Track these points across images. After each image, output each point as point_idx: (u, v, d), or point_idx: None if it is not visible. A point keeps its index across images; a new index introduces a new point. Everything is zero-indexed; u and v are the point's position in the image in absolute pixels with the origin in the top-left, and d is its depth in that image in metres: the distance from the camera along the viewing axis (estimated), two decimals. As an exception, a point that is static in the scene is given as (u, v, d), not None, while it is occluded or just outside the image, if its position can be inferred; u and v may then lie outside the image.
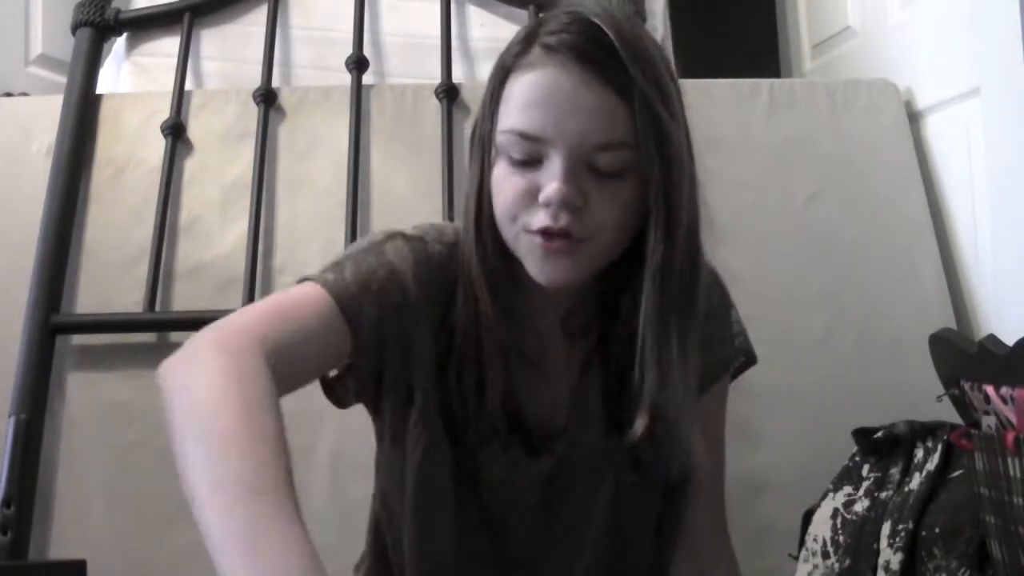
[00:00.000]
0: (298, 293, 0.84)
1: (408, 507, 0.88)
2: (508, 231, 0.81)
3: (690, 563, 0.95)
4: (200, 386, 0.71)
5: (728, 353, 0.97)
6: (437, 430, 0.86)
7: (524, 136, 0.78)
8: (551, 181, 0.77)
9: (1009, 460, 0.98)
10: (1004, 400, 1.02)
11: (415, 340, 0.85)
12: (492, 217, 0.82)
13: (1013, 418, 1.00)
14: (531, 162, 0.78)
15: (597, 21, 0.77)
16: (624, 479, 0.88)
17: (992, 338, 1.08)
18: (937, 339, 1.19)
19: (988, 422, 1.06)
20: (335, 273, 0.85)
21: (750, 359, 1.01)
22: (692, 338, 0.84)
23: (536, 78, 0.77)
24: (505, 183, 0.80)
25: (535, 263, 0.80)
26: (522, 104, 0.78)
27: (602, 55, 0.76)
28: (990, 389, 1.04)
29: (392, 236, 0.87)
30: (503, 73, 0.81)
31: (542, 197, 0.78)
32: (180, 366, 0.74)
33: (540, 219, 0.78)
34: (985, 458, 1.03)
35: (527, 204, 0.79)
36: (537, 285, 0.82)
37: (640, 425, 0.83)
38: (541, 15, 0.89)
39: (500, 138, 0.80)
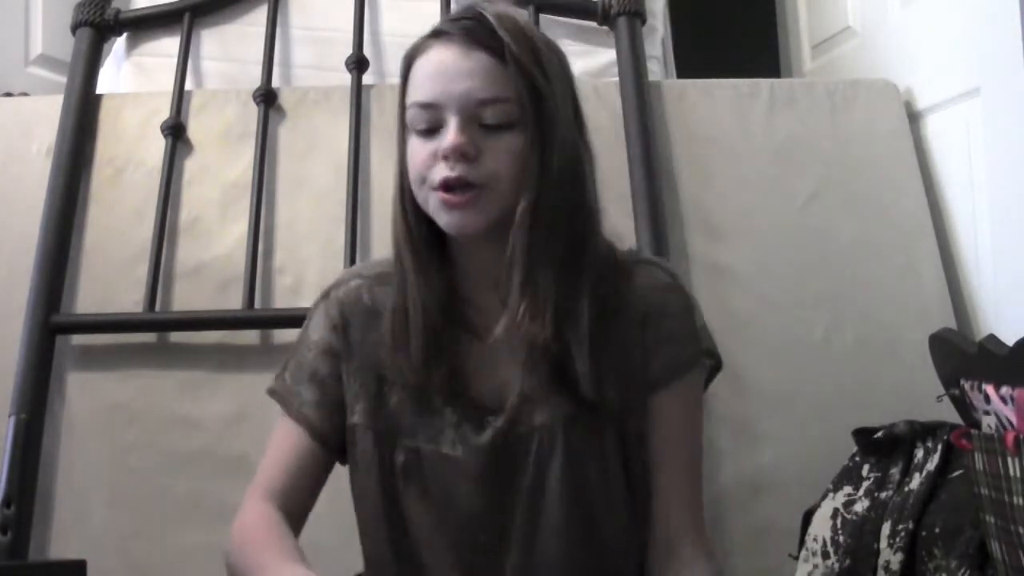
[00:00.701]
0: (277, 432, 1.03)
1: (360, 515, 1.02)
2: (420, 195, 0.93)
3: (666, 555, 0.96)
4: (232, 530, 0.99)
5: (688, 352, 1.00)
6: (368, 440, 0.98)
7: (422, 106, 0.92)
8: (447, 138, 0.90)
9: (1009, 460, 0.98)
10: (1004, 400, 1.02)
11: (352, 374, 1.00)
12: (411, 190, 0.95)
13: (1013, 418, 1.00)
14: (433, 130, 0.92)
15: (475, 6, 0.93)
16: (574, 446, 0.94)
17: (992, 338, 1.08)
18: (937, 339, 1.19)
19: (988, 422, 1.06)
20: (280, 381, 1.04)
21: (718, 364, 1.04)
22: (576, 284, 0.93)
23: (428, 57, 0.93)
24: (414, 153, 0.93)
25: (444, 215, 0.92)
26: (418, 81, 0.93)
27: (479, 28, 0.91)
28: (990, 389, 1.04)
29: (315, 308, 1.04)
30: (407, 63, 0.95)
31: (440, 151, 0.90)
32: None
33: (440, 171, 0.90)
34: (985, 458, 1.03)
35: (432, 164, 0.91)
36: (471, 261, 0.96)
37: (500, 332, 0.92)
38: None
39: (407, 115, 0.93)
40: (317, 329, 1.03)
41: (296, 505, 1.00)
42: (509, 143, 0.90)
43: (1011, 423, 1.01)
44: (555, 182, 0.91)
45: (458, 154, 0.89)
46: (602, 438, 0.95)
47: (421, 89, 0.92)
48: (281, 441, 1.02)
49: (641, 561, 0.98)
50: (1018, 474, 0.97)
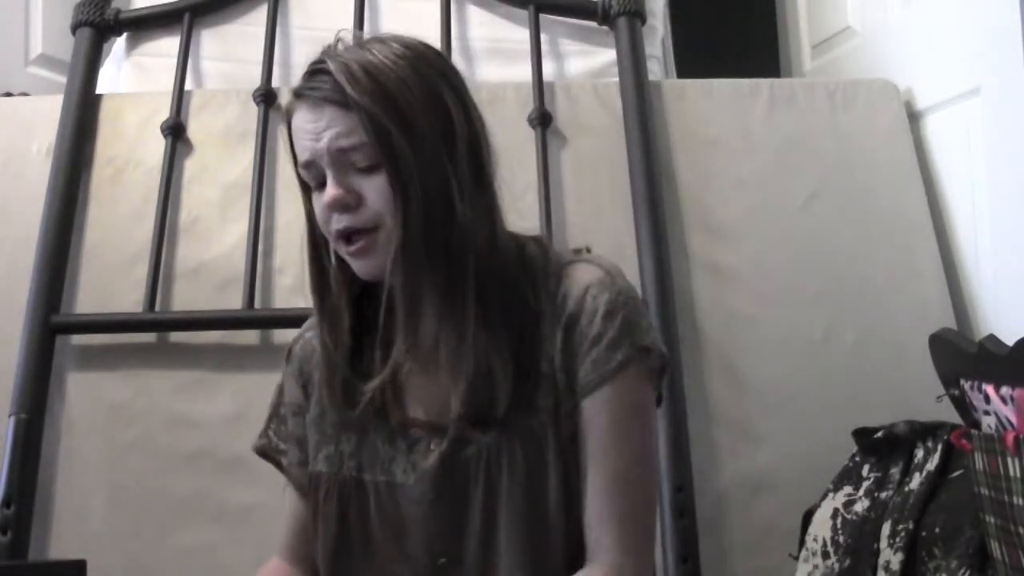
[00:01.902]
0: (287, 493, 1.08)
1: (324, 555, 1.02)
2: (333, 247, 0.97)
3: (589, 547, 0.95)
4: None
5: (617, 355, 0.93)
6: (331, 483, 1.00)
7: (304, 166, 0.95)
8: (328, 192, 0.93)
9: (1009, 460, 0.98)
10: (1004, 400, 1.02)
11: (312, 423, 1.04)
12: (315, 238, 0.99)
13: (1013, 418, 1.00)
14: (322, 183, 0.94)
15: (323, 60, 0.95)
16: (517, 460, 0.94)
17: (992, 338, 1.08)
18: (937, 339, 1.19)
19: (988, 422, 1.06)
20: (265, 439, 1.08)
21: (663, 361, 0.98)
22: (459, 313, 0.94)
23: (295, 120, 0.96)
24: (314, 209, 0.96)
25: (352, 263, 0.96)
26: (295, 142, 0.96)
27: (326, 84, 0.93)
28: (990, 389, 1.04)
29: (285, 361, 1.09)
30: (287, 125, 0.98)
31: (326, 205, 0.94)
32: None
33: (332, 224, 0.94)
34: (985, 458, 1.03)
35: (327, 217, 0.94)
36: (398, 296, 0.95)
37: (378, 382, 0.96)
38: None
39: (300, 173, 0.97)
40: (287, 390, 1.07)
41: (312, 565, 1.04)
42: (382, 183, 0.92)
43: (1011, 423, 1.01)
44: (418, 214, 0.92)
45: (339, 206, 0.93)
46: (543, 449, 0.93)
47: (298, 150, 0.96)
48: (287, 503, 1.07)
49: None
50: (1018, 474, 0.97)
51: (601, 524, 0.92)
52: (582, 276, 0.96)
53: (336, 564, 0.99)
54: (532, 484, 0.93)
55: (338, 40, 0.99)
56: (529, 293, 0.95)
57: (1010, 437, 0.97)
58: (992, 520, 1.03)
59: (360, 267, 0.95)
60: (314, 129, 0.93)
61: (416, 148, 0.92)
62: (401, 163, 0.91)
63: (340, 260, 0.98)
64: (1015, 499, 0.97)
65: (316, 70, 0.95)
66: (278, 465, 1.06)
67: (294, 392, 1.06)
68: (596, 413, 0.93)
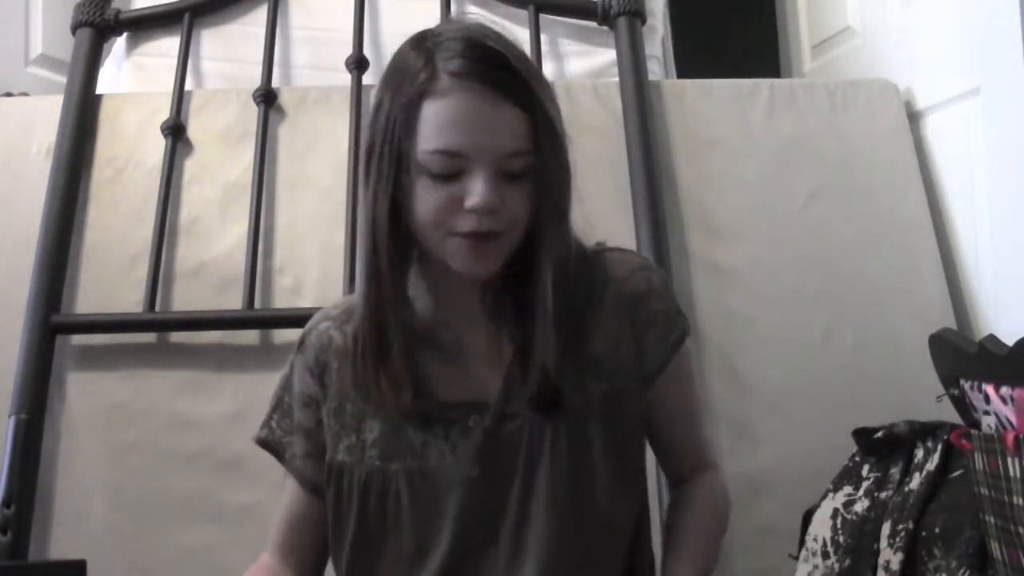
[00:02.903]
0: (284, 485, 1.06)
1: (346, 545, 1.00)
2: (432, 236, 0.92)
3: (679, 486, 1.08)
4: None
5: (675, 331, 1.03)
6: (354, 473, 0.99)
7: (447, 154, 0.88)
8: (476, 191, 0.88)
9: (1009, 460, 0.98)
10: (1004, 400, 1.02)
11: (332, 414, 1.01)
12: (407, 228, 0.93)
13: (1013, 418, 1.00)
14: (451, 175, 0.89)
15: (491, 45, 0.90)
16: (560, 438, 0.96)
17: (992, 338, 1.08)
18: (937, 339, 1.19)
19: (988, 422, 1.06)
20: (267, 429, 1.06)
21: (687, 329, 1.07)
22: (531, 304, 0.96)
23: (451, 103, 0.88)
24: (429, 195, 0.90)
25: (462, 261, 0.92)
26: (440, 126, 0.89)
27: (503, 75, 0.89)
28: (990, 389, 1.04)
29: (293, 356, 1.05)
30: (414, 99, 0.90)
31: (469, 204, 0.89)
32: None
33: (468, 223, 0.89)
34: (985, 458, 1.03)
35: (453, 211, 0.89)
36: (451, 289, 0.97)
37: (535, 379, 0.95)
38: (432, 31, 0.96)
39: (421, 157, 0.89)
40: (298, 380, 1.04)
41: (304, 558, 1.04)
42: (526, 191, 0.91)
43: (1011, 423, 1.01)
44: (551, 226, 0.94)
45: (490, 211, 0.89)
46: (588, 431, 0.97)
47: (445, 137, 0.88)
48: (284, 495, 1.06)
49: (632, 539, 1.01)
50: (1018, 474, 0.97)
51: (696, 451, 1.08)
52: (625, 261, 1.03)
53: (358, 554, 0.98)
54: (574, 463, 0.96)
55: (452, 18, 0.96)
56: (570, 282, 0.98)
57: (1010, 437, 0.97)
58: (992, 520, 1.03)
59: (475, 267, 0.92)
60: (489, 124, 0.89)
61: (562, 163, 0.94)
62: (552, 176, 0.92)
63: (405, 252, 0.95)
64: (1015, 499, 0.97)
65: (488, 55, 0.90)
66: (279, 457, 1.05)
67: (306, 382, 1.03)
68: (673, 381, 1.02)
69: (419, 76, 0.90)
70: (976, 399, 1.08)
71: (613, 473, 0.97)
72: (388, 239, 0.92)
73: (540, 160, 0.90)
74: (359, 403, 0.99)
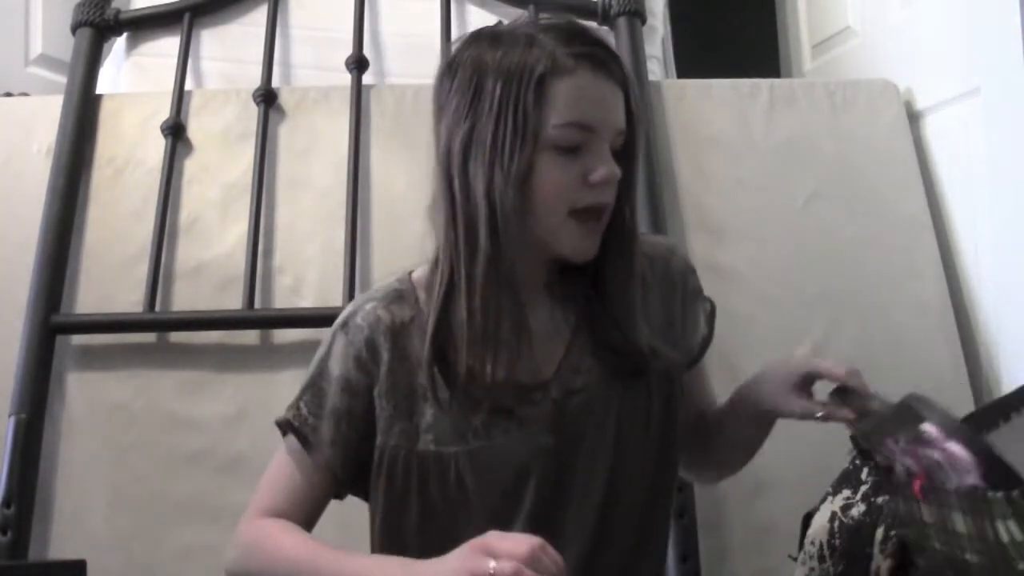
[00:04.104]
0: (283, 458, 1.04)
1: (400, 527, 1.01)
2: (553, 215, 0.95)
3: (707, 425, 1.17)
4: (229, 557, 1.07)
5: (710, 301, 1.14)
6: (412, 457, 0.99)
7: (579, 126, 0.94)
8: (602, 164, 0.94)
9: (922, 507, 0.98)
10: (904, 452, 1.01)
11: (384, 395, 1.00)
12: (527, 206, 0.95)
13: (914, 465, 1.00)
14: (575, 149, 0.94)
15: (597, 35, 0.98)
16: (626, 406, 1.02)
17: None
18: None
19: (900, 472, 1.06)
20: (295, 411, 1.04)
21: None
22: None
23: (578, 80, 0.94)
24: (555, 171, 0.94)
25: (575, 240, 0.97)
26: (571, 101, 0.94)
27: (610, 60, 0.96)
28: (890, 441, 1.04)
29: (332, 338, 1.03)
30: (540, 78, 0.94)
31: (596, 177, 0.94)
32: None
33: (591, 197, 0.95)
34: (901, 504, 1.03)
35: (576, 187, 0.95)
36: (531, 269, 1.00)
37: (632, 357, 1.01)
38: (539, 21, 1.03)
39: (552, 132, 0.93)
40: (339, 362, 1.02)
41: (297, 516, 1.03)
42: (619, 168, 0.97)
43: (915, 471, 1.00)
44: (634, 200, 1.02)
45: (612, 183, 0.96)
46: (648, 398, 1.03)
47: (577, 109, 0.94)
48: (287, 468, 1.03)
49: (669, 502, 1.09)
50: (930, 519, 0.96)
51: (711, 405, 1.19)
52: (659, 242, 1.13)
53: (429, 531, 0.99)
54: (635, 431, 1.02)
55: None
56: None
57: (917, 485, 0.97)
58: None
59: (588, 245, 0.97)
60: (612, 100, 0.96)
61: (641, 143, 1.03)
62: (637, 153, 1.00)
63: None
64: (935, 544, 0.97)
65: (595, 39, 0.97)
66: (303, 439, 1.02)
67: (348, 365, 1.01)
68: (707, 354, 1.14)
69: (539, 57, 0.94)
70: (887, 452, 1.08)
71: (664, 441, 1.04)
72: (514, 213, 0.94)
73: (630, 138, 0.98)
74: (411, 386, 0.99)
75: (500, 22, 1.08)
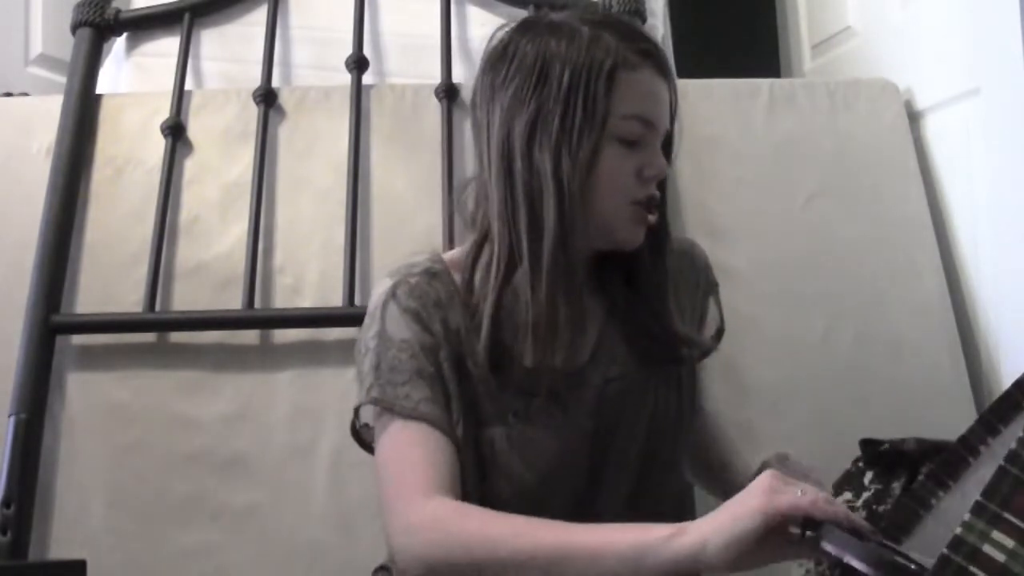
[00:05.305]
0: (394, 440, 0.96)
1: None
2: (612, 204, 0.99)
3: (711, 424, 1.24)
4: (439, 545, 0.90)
5: (719, 303, 1.19)
6: (460, 427, 0.98)
7: (643, 120, 0.98)
8: (657, 160, 1.00)
9: None
10: None
11: (442, 363, 0.99)
12: (589, 192, 0.97)
13: None
14: (635, 144, 0.98)
15: (653, 36, 1.05)
16: (660, 388, 1.06)
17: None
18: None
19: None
20: (380, 390, 0.97)
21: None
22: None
23: (644, 76, 0.98)
24: (618, 162, 0.98)
25: (630, 230, 1.01)
26: (639, 95, 0.98)
27: (666, 61, 1.01)
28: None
29: (383, 310, 1.00)
30: (611, 68, 0.97)
31: (651, 173, 0.99)
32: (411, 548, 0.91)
33: (646, 191, 1.00)
34: None
35: (636, 180, 0.99)
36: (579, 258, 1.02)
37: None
38: (590, 15, 1.05)
39: (618, 122, 0.97)
40: (400, 327, 0.99)
41: (459, 497, 0.96)
42: None
43: None
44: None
45: (662, 178, 1.01)
46: (678, 383, 1.08)
47: (644, 103, 0.98)
48: (411, 442, 0.96)
49: (691, 489, 1.20)
50: None
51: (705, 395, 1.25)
52: (680, 239, 1.16)
53: (484, 501, 0.99)
54: (666, 417, 1.06)
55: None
56: None
57: None
58: None
59: (638, 235, 1.01)
60: (665, 102, 1.01)
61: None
62: (672, 152, 1.05)
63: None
64: None
65: (651, 38, 1.02)
66: (400, 411, 0.96)
67: (413, 328, 0.98)
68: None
69: (608, 50, 0.97)
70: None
71: (685, 428, 1.10)
72: (580, 197, 0.96)
73: (670, 137, 1.04)
74: (461, 357, 0.99)
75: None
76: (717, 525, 0.80)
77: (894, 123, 1.83)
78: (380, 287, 1.03)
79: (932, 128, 1.85)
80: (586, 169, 0.96)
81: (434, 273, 1.03)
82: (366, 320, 1.03)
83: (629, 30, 1.02)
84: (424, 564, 0.89)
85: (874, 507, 1.29)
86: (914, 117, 1.88)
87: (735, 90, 1.85)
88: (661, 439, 1.06)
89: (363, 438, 1.03)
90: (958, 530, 0.77)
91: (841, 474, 1.39)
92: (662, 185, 1.04)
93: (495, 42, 1.05)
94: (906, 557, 0.80)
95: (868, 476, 1.35)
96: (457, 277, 1.03)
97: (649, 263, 1.05)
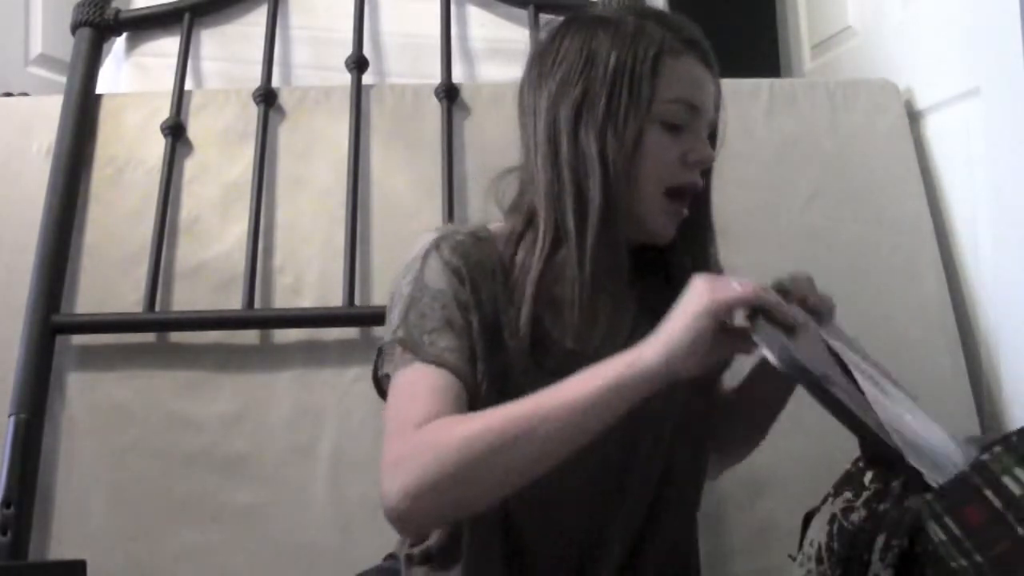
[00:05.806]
0: (409, 378, 0.94)
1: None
2: (651, 189, 0.99)
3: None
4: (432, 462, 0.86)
5: None
6: (487, 397, 0.96)
7: (688, 105, 0.99)
8: (702, 146, 1.00)
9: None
10: None
11: (475, 326, 0.97)
12: (632, 175, 0.98)
13: None
14: (679, 129, 0.99)
15: (694, 26, 1.05)
16: (690, 394, 1.06)
17: None
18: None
19: None
20: (404, 331, 0.96)
21: None
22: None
23: (690, 62, 1.00)
24: (659, 147, 0.98)
25: (661, 222, 1.01)
26: (684, 80, 0.99)
27: (710, 53, 1.03)
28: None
29: (425, 259, 0.99)
30: (658, 53, 0.99)
31: (695, 158, 1.00)
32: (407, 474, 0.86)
33: (687, 176, 1.00)
34: None
35: (676, 165, 0.99)
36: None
37: None
38: (636, 7, 1.10)
39: (662, 106, 0.98)
40: (438, 278, 0.97)
41: None
42: None
43: None
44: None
45: (706, 165, 1.02)
46: (708, 381, 1.10)
47: (689, 88, 0.99)
48: (423, 382, 0.93)
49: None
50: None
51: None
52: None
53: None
54: (690, 412, 1.07)
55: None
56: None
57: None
58: None
59: (671, 227, 1.02)
60: (710, 91, 1.02)
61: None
62: (716, 144, 1.05)
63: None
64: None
65: (697, 29, 1.04)
66: (422, 354, 0.93)
67: (452, 282, 0.97)
68: None
69: (653, 37, 0.99)
70: None
71: (706, 426, 1.11)
72: (625, 177, 0.97)
73: (714, 130, 1.04)
74: (498, 325, 0.98)
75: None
76: (673, 333, 0.84)
77: (894, 123, 1.83)
78: (423, 239, 1.02)
79: (932, 128, 1.85)
80: (631, 150, 0.97)
81: (480, 238, 1.03)
82: (403, 270, 1.01)
83: (674, 20, 1.04)
84: (409, 497, 0.84)
85: (874, 506, 1.29)
86: (914, 117, 1.87)
87: (735, 90, 1.84)
88: (688, 436, 1.07)
89: (383, 386, 1.01)
90: (984, 456, 0.85)
91: (841, 474, 1.39)
92: (707, 177, 1.04)
93: (542, 37, 1.09)
94: (842, 364, 0.86)
95: (868, 476, 1.34)
96: (500, 248, 1.03)
97: (686, 259, 1.06)
